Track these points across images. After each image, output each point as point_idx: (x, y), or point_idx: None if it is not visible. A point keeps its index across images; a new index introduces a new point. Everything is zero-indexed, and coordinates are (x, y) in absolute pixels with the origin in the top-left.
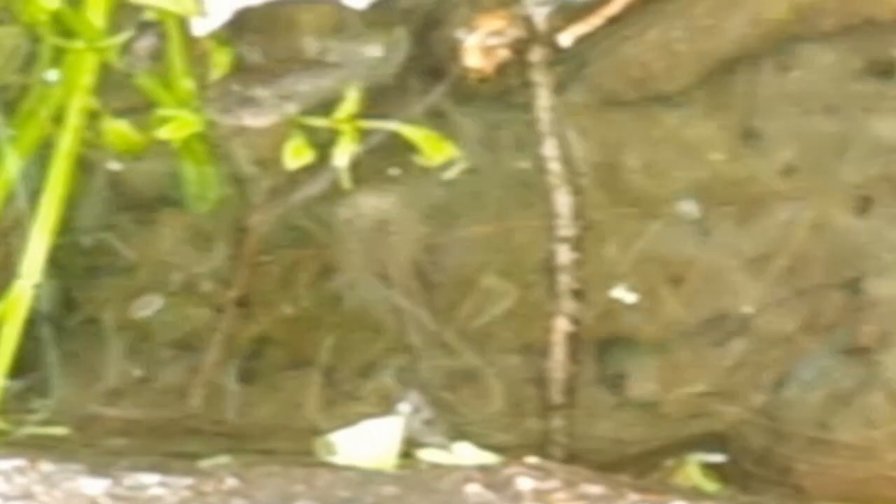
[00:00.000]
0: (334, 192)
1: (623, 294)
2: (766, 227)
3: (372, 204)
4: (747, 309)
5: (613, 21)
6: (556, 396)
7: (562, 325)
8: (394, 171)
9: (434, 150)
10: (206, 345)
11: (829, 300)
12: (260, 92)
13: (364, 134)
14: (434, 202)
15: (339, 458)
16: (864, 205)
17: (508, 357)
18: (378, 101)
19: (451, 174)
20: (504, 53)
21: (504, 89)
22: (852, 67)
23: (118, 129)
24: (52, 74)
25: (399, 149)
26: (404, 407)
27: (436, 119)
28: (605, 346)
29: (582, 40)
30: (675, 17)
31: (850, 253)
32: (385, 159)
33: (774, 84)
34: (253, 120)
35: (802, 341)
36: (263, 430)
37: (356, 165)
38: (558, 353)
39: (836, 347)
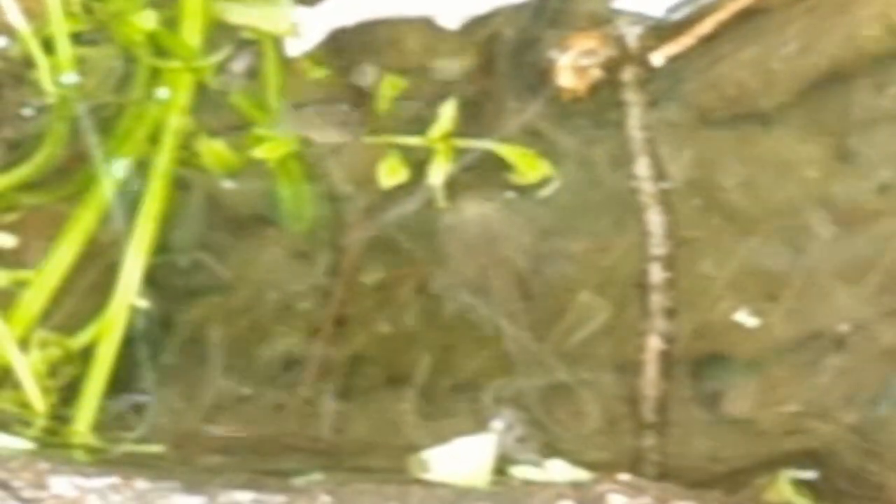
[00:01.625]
0: (431, 210)
1: (745, 318)
2: (862, 244)
3: (477, 211)
4: (843, 326)
5: (707, 40)
6: (649, 414)
7: (654, 344)
8: (491, 190)
9: (529, 167)
10: (303, 363)
11: None
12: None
13: (459, 152)
14: (530, 220)
15: (432, 476)
16: None
17: (603, 374)
18: (474, 119)
19: (546, 192)
20: (596, 73)
21: (599, 108)
22: None
23: (214, 148)
24: (162, 92)
25: (495, 168)
26: (497, 424)
27: (532, 138)
28: (701, 363)
29: (676, 59)
30: (770, 36)
31: None
32: (481, 178)
33: (870, 102)
34: (340, 137)
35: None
36: (359, 448)
37: (452, 184)
38: (651, 372)
39: None
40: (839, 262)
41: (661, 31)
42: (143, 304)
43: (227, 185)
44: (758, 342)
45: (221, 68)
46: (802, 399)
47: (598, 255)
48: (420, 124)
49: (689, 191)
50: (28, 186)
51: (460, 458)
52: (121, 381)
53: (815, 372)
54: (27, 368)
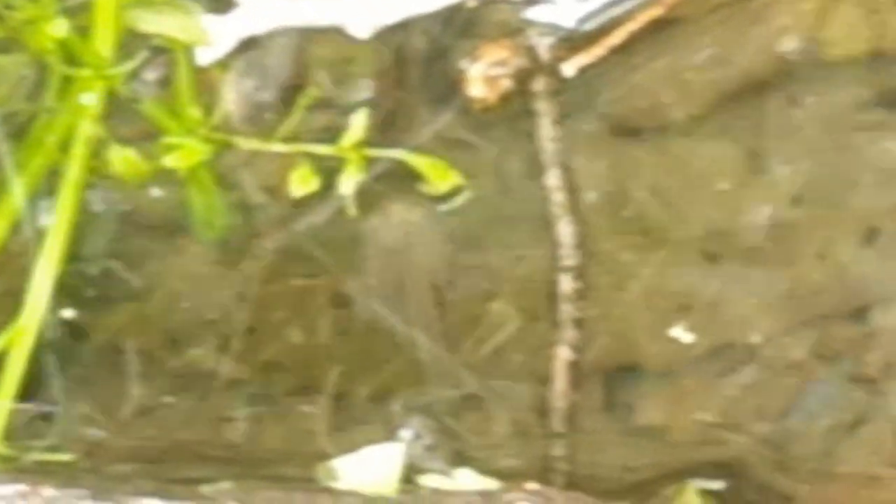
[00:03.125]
0: (344, 219)
1: (680, 334)
2: (774, 256)
3: (390, 221)
4: (754, 338)
5: (619, 51)
6: (558, 424)
7: (563, 354)
8: (404, 200)
9: (440, 177)
10: (215, 372)
11: (835, 330)
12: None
13: (371, 162)
14: (443, 230)
15: (340, 484)
16: (871, 235)
17: (514, 384)
18: (386, 129)
19: (459, 203)
20: (507, 83)
21: (511, 118)
22: (860, 98)
23: (125, 156)
24: (83, 98)
25: (407, 178)
26: (406, 433)
27: (445, 147)
28: (613, 374)
29: (589, 69)
30: (683, 47)
31: (857, 283)
32: (393, 187)
33: (783, 114)
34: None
35: (808, 371)
36: (270, 456)
37: (364, 193)
38: (560, 382)
39: (841, 377)
40: (751, 274)
41: (573, 42)
42: (68, 314)
43: (139, 194)
44: (670, 353)
45: (134, 76)
46: (714, 410)
47: (512, 265)
48: (332, 133)
49: (602, 202)
50: None
51: (369, 467)
52: (32, 390)
53: (726, 383)
54: None
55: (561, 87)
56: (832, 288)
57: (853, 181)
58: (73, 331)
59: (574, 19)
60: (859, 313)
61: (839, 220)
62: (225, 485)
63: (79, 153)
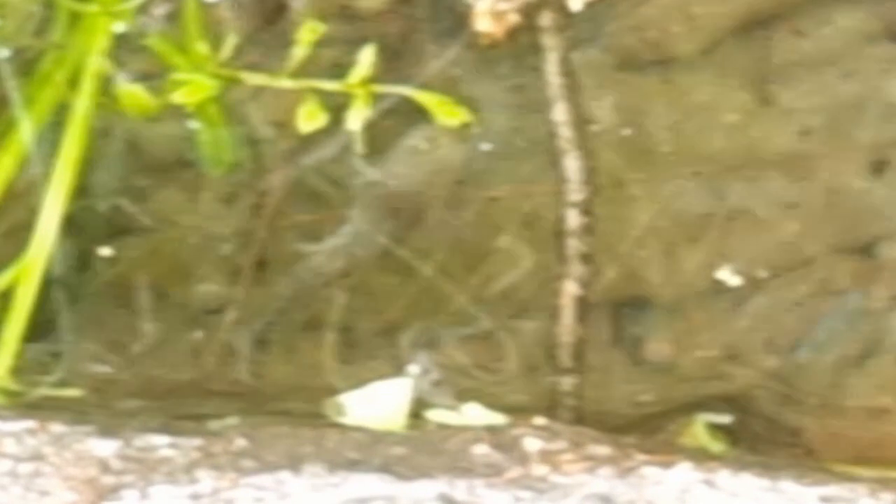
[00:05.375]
0: (350, 156)
1: (727, 276)
2: (781, 190)
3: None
4: (762, 272)
5: None
6: (566, 359)
7: (570, 289)
8: (411, 136)
9: (448, 114)
10: (223, 307)
11: (841, 263)
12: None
13: (379, 98)
14: (452, 165)
15: (348, 420)
16: (878, 168)
17: (521, 320)
18: (394, 65)
19: (467, 138)
20: (514, 18)
21: (518, 53)
22: (868, 31)
23: (133, 92)
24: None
25: (414, 113)
26: (414, 368)
27: (452, 83)
28: (621, 308)
29: (596, 4)
30: None
31: (864, 215)
32: (400, 123)
33: (790, 47)
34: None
35: (816, 304)
36: (278, 391)
37: (371, 128)
38: (567, 317)
39: (849, 310)
40: (760, 207)
41: None
42: (105, 251)
43: (148, 128)
44: (677, 286)
45: (143, 12)
46: (722, 344)
47: (519, 200)
48: (340, 69)
49: (610, 135)
50: None
51: (376, 402)
52: (40, 326)
53: (734, 317)
54: None
55: (568, 21)
56: (840, 220)
57: (861, 113)
58: (82, 267)
59: None
60: (867, 246)
61: (847, 152)
62: (232, 420)
63: (87, 89)
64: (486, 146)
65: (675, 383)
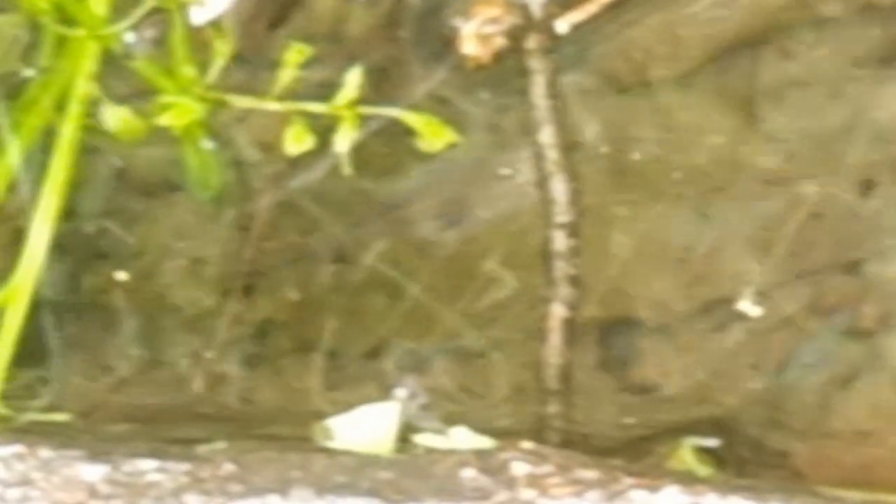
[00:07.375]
0: (338, 177)
1: (748, 307)
2: (768, 211)
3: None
4: (749, 293)
5: (612, 6)
6: (553, 382)
7: (558, 311)
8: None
9: (435, 135)
10: (210, 330)
11: (830, 283)
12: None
13: (366, 119)
14: (438, 186)
15: (336, 444)
16: (866, 187)
17: (509, 342)
18: (381, 87)
19: (453, 159)
20: (500, 41)
21: (505, 76)
22: (854, 53)
23: (120, 115)
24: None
25: (401, 135)
26: (402, 392)
27: (439, 105)
28: (607, 330)
29: (583, 26)
30: (678, 2)
31: (852, 235)
32: (388, 145)
33: (777, 69)
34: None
35: (804, 325)
36: (265, 416)
37: (359, 150)
38: (555, 339)
39: (837, 330)
40: (745, 228)
41: None
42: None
43: (135, 152)
44: (664, 309)
45: (129, 36)
46: (708, 366)
47: (506, 223)
48: (328, 90)
49: (597, 158)
50: None
51: (364, 426)
52: (28, 350)
53: (721, 339)
54: None
55: (554, 44)
56: (827, 241)
57: (848, 134)
58: (70, 290)
59: None
60: (855, 266)
61: (834, 173)
62: (220, 445)
63: (74, 113)
64: (471, 167)
65: (661, 406)
